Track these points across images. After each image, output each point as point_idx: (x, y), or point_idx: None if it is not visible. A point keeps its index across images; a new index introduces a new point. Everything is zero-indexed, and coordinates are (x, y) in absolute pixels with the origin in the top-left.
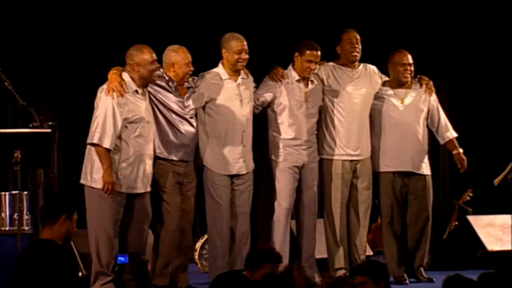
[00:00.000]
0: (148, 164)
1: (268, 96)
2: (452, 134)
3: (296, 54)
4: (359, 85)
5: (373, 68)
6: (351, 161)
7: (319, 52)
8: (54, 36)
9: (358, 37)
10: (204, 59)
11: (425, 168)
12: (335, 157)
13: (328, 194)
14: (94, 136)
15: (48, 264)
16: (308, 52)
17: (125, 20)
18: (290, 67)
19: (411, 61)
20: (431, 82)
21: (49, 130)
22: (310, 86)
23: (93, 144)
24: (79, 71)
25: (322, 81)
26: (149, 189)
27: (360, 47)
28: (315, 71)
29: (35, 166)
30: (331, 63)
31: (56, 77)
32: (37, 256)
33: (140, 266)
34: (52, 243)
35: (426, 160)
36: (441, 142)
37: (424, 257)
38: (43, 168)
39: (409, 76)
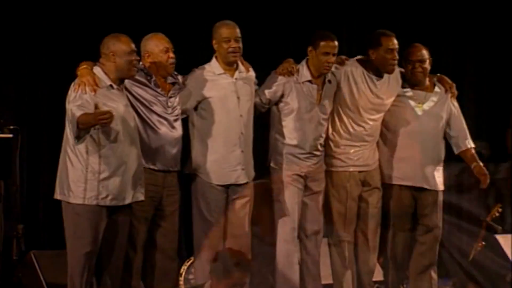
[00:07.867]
0: (135, 169)
1: (275, 92)
2: (470, 143)
3: (310, 48)
4: (379, 96)
5: (395, 72)
6: (359, 172)
7: (336, 43)
8: (16, 31)
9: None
10: (202, 55)
11: (439, 183)
12: (342, 169)
13: (334, 210)
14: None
15: None
16: (322, 43)
17: (95, 16)
18: (304, 63)
19: (424, 57)
20: (454, 86)
21: (10, 135)
22: (325, 86)
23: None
24: (45, 69)
25: (338, 84)
26: (141, 198)
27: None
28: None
29: None
30: (359, 66)
31: (19, 76)
32: None
33: None
34: None
35: (441, 173)
36: (457, 151)
37: None
38: (4, 179)
39: (420, 74)
